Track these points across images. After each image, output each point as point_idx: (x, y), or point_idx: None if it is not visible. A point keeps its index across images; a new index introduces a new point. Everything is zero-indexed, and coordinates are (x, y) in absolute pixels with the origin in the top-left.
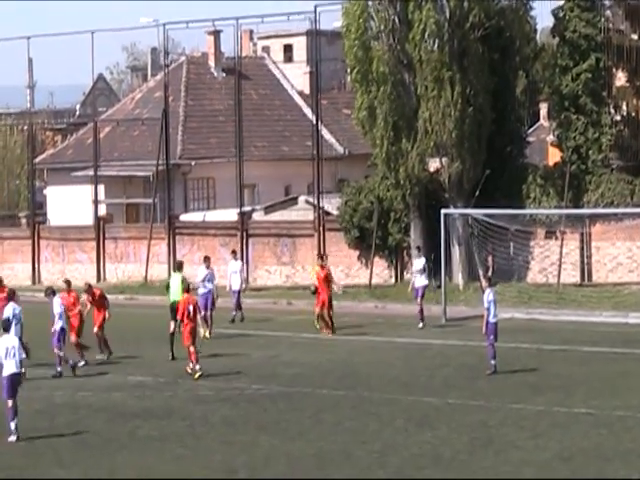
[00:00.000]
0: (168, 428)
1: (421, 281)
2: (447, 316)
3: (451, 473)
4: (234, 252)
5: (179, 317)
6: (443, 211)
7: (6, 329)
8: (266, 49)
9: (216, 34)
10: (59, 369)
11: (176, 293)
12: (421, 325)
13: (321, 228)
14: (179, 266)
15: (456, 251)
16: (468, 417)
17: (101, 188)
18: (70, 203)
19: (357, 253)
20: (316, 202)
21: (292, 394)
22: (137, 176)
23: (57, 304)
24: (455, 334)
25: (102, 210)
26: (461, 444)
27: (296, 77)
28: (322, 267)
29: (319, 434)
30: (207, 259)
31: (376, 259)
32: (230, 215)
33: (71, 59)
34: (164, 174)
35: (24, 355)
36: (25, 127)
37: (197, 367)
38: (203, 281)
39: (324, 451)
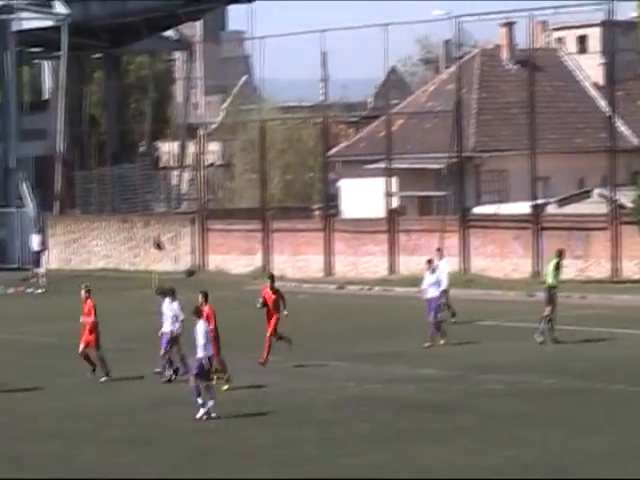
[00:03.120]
0: (456, 421)
1: None
2: None
3: None
4: (439, 250)
5: None
6: None
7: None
8: (560, 40)
9: (509, 26)
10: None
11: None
12: None
13: (615, 221)
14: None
15: None
16: None
17: (394, 181)
18: (362, 196)
19: None
20: (610, 195)
21: (584, 389)
22: (429, 169)
23: (176, 306)
24: None
25: (395, 203)
26: None
27: (590, 68)
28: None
29: (611, 430)
30: (429, 262)
31: None
32: (522, 208)
33: (364, 52)
34: (456, 167)
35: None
36: (318, 120)
37: None
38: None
39: (617, 447)
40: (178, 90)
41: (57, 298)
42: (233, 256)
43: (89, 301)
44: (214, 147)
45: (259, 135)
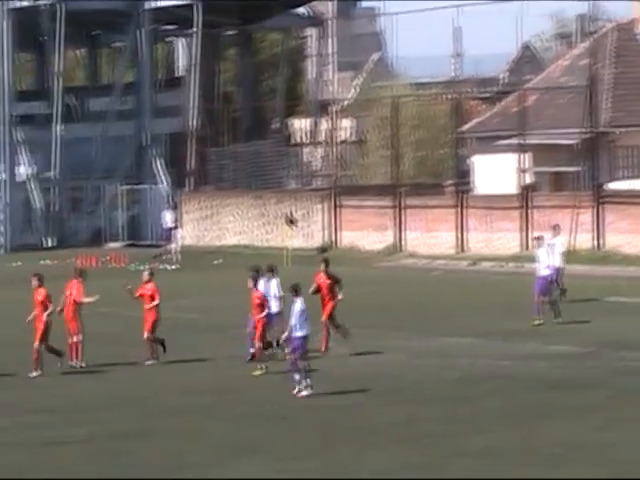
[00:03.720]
0: (589, 399)
1: None
2: None
3: None
4: (556, 227)
5: None
6: None
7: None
8: None
9: None
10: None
11: None
12: None
13: None
14: None
15: None
16: None
17: (527, 156)
18: (495, 172)
19: None
20: None
21: None
22: (563, 144)
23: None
24: None
25: (528, 179)
26: None
27: None
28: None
29: None
30: (539, 238)
31: None
32: None
33: (498, 28)
34: (590, 142)
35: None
36: (451, 96)
37: None
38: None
39: None
40: (310, 67)
41: (191, 274)
42: (365, 233)
43: (151, 285)
44: (346, 123)
45: (391, 112)
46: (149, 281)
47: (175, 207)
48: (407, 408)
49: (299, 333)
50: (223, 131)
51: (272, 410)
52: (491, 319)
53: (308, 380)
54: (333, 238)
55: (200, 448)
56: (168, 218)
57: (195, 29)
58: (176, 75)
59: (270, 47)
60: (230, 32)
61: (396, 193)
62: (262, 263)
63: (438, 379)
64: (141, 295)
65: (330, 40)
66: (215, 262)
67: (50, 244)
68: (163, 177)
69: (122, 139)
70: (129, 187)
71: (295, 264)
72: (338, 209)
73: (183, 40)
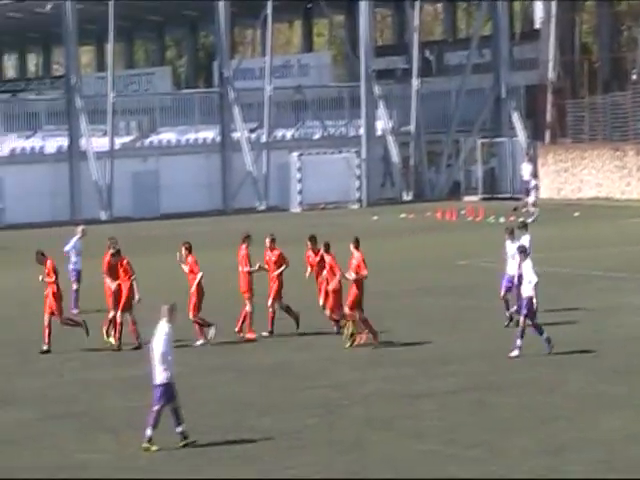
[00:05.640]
0: None
1: None
2: None
3: None
4: None
5: None
6: None
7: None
8: None
9: None
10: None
11: None
12: None
13: None
14: None
15: None
16: None
17: None
18: None
19: None
20: None
21: None
22: None
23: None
24: None
25: None
26: None
27: None
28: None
29: None
30: None
31: None
32: None
33: None
34: None
35: None
36: None
37: None
38: None
39: None
40: None
41: (551, 227)
42: None
43: (275, 251)
44: None
45: None
46: (273, 247)
47: (533, 160)
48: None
49: (528, 293)
50: (581, 83)
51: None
52: None
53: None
54: None
55: (555, 401)
56: (526, 171)
57: None
58: (534, 27)
59: None
60: None
61: None
62: (619, 215)
63: None
64: (266, 262)
65: None
66: (575, 214)
67: (407, 198)
68: (520, 130)
69: (479, 92)
70: (486, 140)
71: None
72: None
73: None
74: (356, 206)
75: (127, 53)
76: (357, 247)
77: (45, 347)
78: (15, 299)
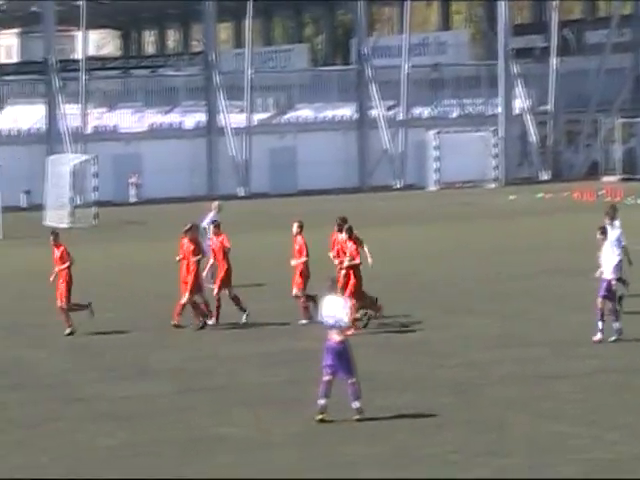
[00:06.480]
0: None
1: None
2: None
3: None
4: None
5: None
6: None
7: None
8: None
9: None
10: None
11: None
12: None
13: None
14: None
15: None
16: None
17: None
18: None
19: None
20: None
21: None
22: None
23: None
24: None
25: None
26: None
27: None
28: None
29: None
30: None
31: None
32: None
33: None
34: None
35: None
36: None
37: None
38: None
39: None
40: None
41: None
42: None
43: (299, 238)
44: None
45: None
46: (298, 234)
47: None
48: None
49: (609, 275)
50: None
51: None
52: None
53: (617, 324)
54: None
55: None
56: None
57: None
58: None
59: None
60: None
61: None
62: None
63: None
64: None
65: None
66: None
67: (545, 177)
68: None
69: (619, 71)
70: (626, 120)
71: None
72: None
73: None
74: (493, 185)
75: (265, 30)
76: (340, 231)
77: (211, 321)
78: (151, 273)
